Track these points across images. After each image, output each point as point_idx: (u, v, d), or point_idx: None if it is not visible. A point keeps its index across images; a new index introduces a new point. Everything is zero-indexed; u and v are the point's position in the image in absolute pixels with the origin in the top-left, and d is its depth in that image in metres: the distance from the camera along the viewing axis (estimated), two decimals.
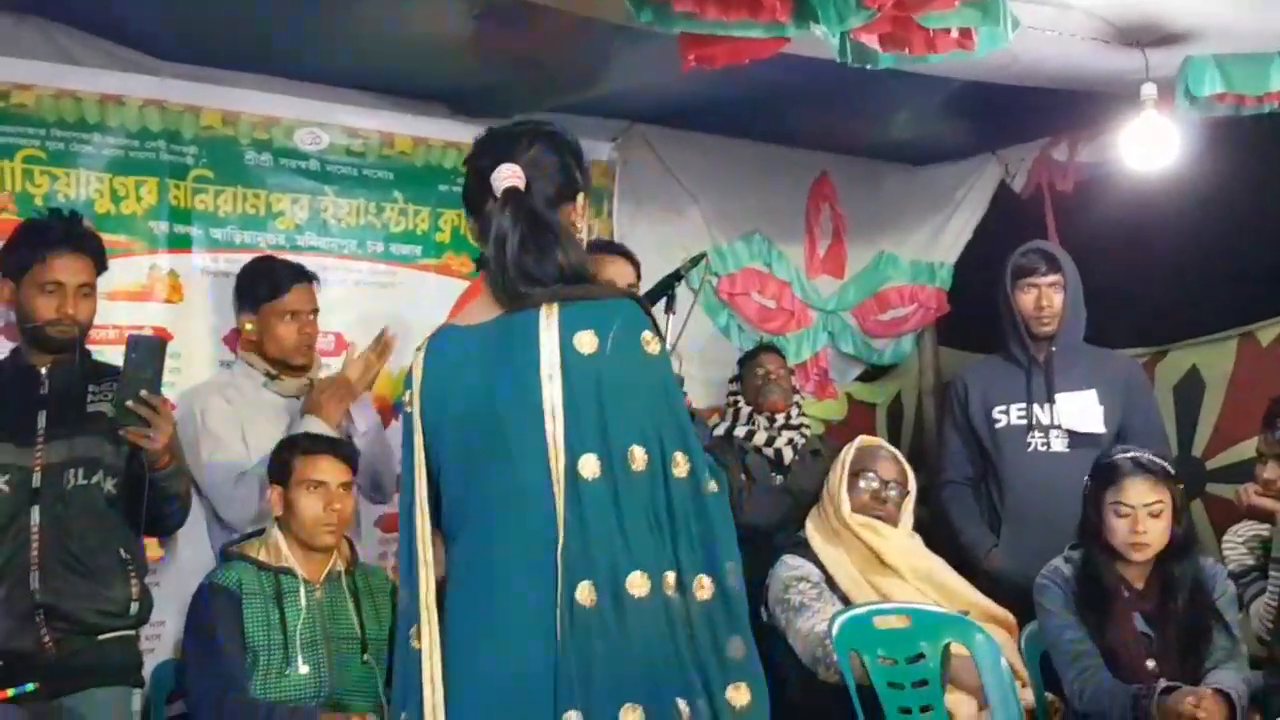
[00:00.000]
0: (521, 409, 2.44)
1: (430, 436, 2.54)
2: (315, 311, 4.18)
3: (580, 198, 2.67)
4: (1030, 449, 4.51)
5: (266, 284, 4.12)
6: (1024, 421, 4.53)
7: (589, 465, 2.39)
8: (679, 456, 2.42)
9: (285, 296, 4.10)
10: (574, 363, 2.43)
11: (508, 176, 2.54)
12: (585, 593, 2.35)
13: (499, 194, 2.54)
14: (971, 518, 4.67)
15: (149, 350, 3.54)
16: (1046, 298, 4.52)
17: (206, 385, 4.17)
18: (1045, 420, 4.51)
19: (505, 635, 2.40)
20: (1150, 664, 3.64)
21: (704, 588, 2.38)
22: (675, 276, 3.95)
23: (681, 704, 2.32)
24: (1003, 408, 4.58)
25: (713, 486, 2.47)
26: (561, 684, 2.33)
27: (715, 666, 2.38)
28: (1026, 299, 4.55)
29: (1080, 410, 4.46)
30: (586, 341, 2.43)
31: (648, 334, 2.48)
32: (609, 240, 4.71)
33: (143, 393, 3.48)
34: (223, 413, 4.06)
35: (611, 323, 2.45)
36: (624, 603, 2.35)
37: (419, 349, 2.59)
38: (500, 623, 2.42)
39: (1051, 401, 4.50)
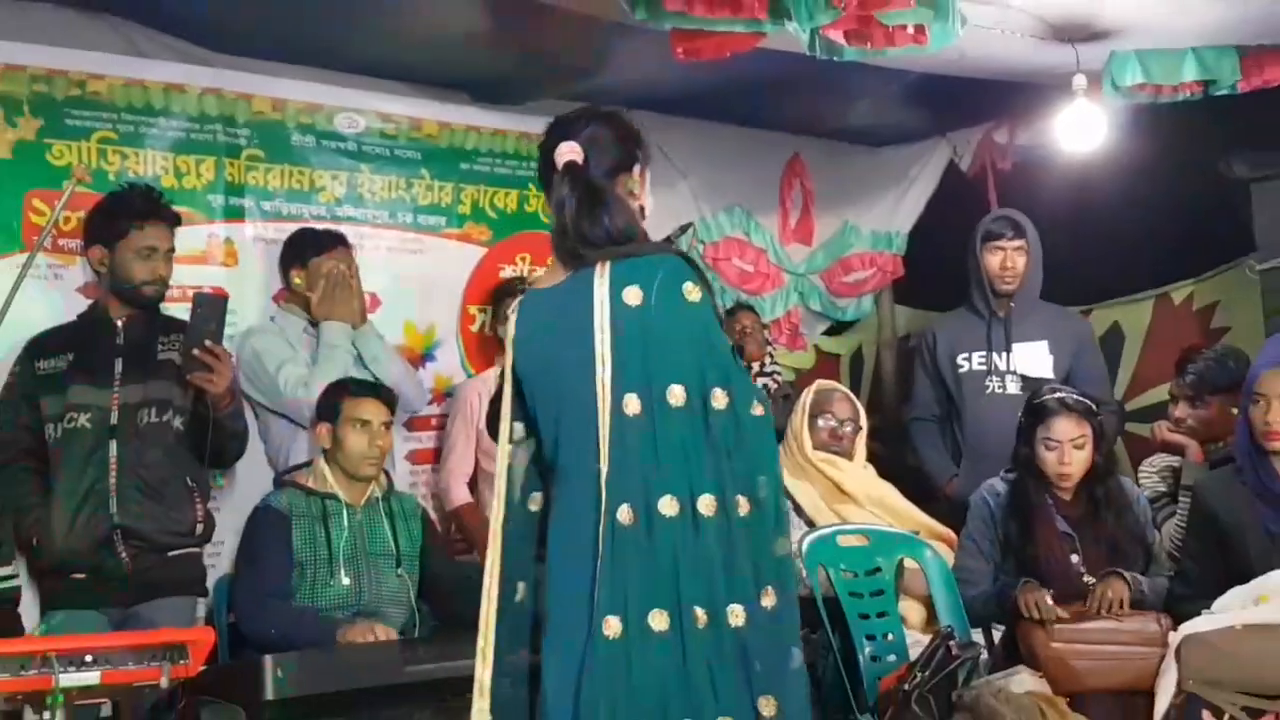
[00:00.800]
0: (579, 359, 2.45)
1: (525, 387, 2.57)
2: (354, 273, 4.17)
3: (637, 169, 2.65)
4: (988, 391, 4.54)
5: (313, 245, 4.15)
6: (984, 367, 4.56)
7: (631, 404, 2.40)
8: (718, 391, 2.40)
9: (326, 255, 4.11)
10: (622, 314, 2.43)
11: (565, 153, 2.55)
12: (625, 513, 2.35)
13: (559, 168, 2.56)
14: (935, 450, 4.71)
15: (212, 306, 3.57)
16: (1011, 260, 4.53)
17: (258, 330, 4.17)
18: (1002, 366, 4.53)
19: (569, 555, 2.43)
20: (1075, 559, 3.69)
21: (741, 505, 2.38)
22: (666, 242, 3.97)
23: (699, 610, 2.35)
24: (966, 354, 4.61)
25: (756, 411, 2.45)
26: (603, 592, 2.34)
27: (751, 574, 2.38)
28: (993, 260, 4.56)
29: (1033, 358, 4.49)
30: (633, 295, 2.42)
31: (689, 284, 2.45)
32: None
33: (207, 343, 3.51)
34: (275, 347, 4.08)
35: (655, 276, 2.44)
36: (655, 522, 2.35)
37: (510, 311, 2.61)
38: (566, 545, 2.45)
39: (1009, 350, 4.52)
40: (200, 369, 3.52)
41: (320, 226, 4.31)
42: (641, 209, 2.66)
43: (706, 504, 2.37)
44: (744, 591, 2.37)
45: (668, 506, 2.36)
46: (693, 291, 2.47)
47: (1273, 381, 3.53)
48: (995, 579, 3.78)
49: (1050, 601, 3.50)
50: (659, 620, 2.34)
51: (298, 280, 4.16)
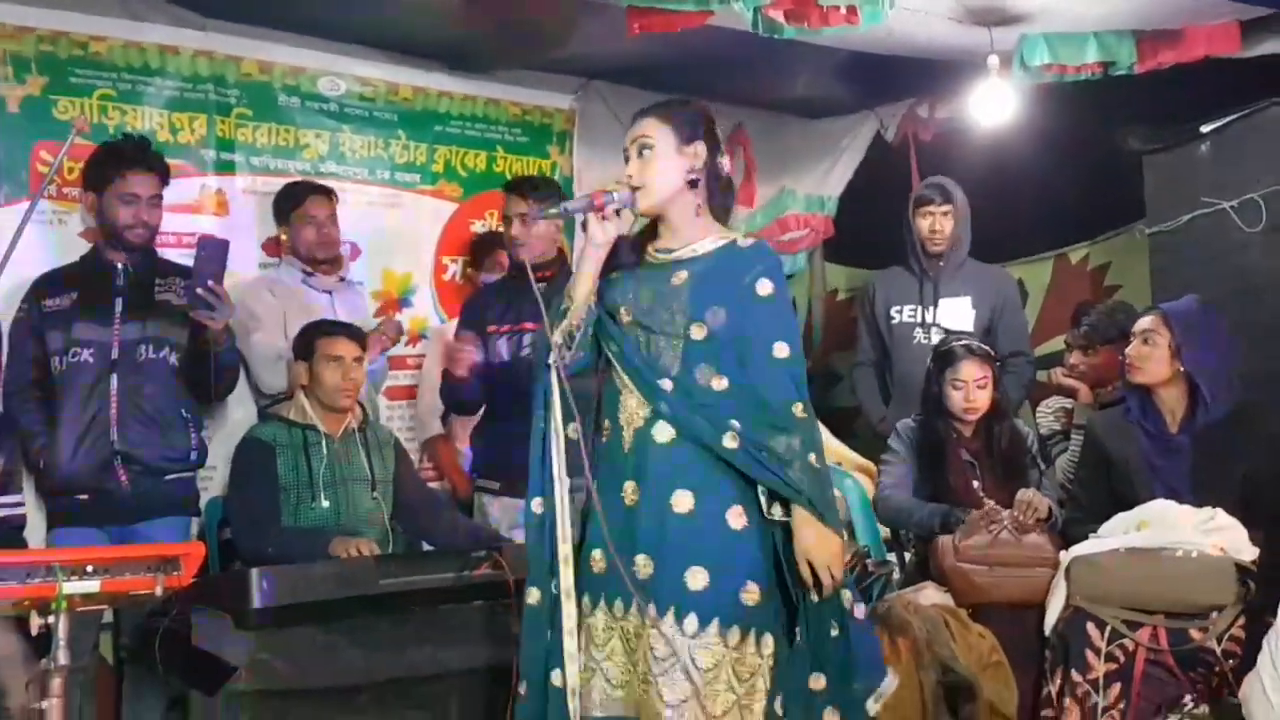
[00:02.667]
0: None
1: None
2: (332, 217, 4.13)
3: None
4: (915, 341, 4.54)
5: (290, 199, 4.11)
6: (914, 319, 4.56)
7: None
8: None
9: (304, 205, 4.08)
10: None
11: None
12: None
13: None
14: (871, 391, 4.73)
15: (216, 249, 3.53)
16: (939, 224, 4.53)
17: (257, 280, 4.15)
18: (929, 319, 4.53)
19: None
20: (975, 484, 3.72)
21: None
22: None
23: None
24: (899, 307, 4.61)
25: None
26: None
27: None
28: (923, 224, 4.55)
29: (956, 313, 4.48)
30: None
31: None
32: (541, 177, 4.61)
33: (210, 283, 3.47)
34: (268, 303, 4.03)
35: None
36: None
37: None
38: None
39: (936, 305, 4.52)
40: (203, 306, 3.48)
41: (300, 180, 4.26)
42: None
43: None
44: None
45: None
46: None
47: (1139, 323, 3.61)
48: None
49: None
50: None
51: (284, 236, 4.12)
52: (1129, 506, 3.42)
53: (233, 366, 3.75)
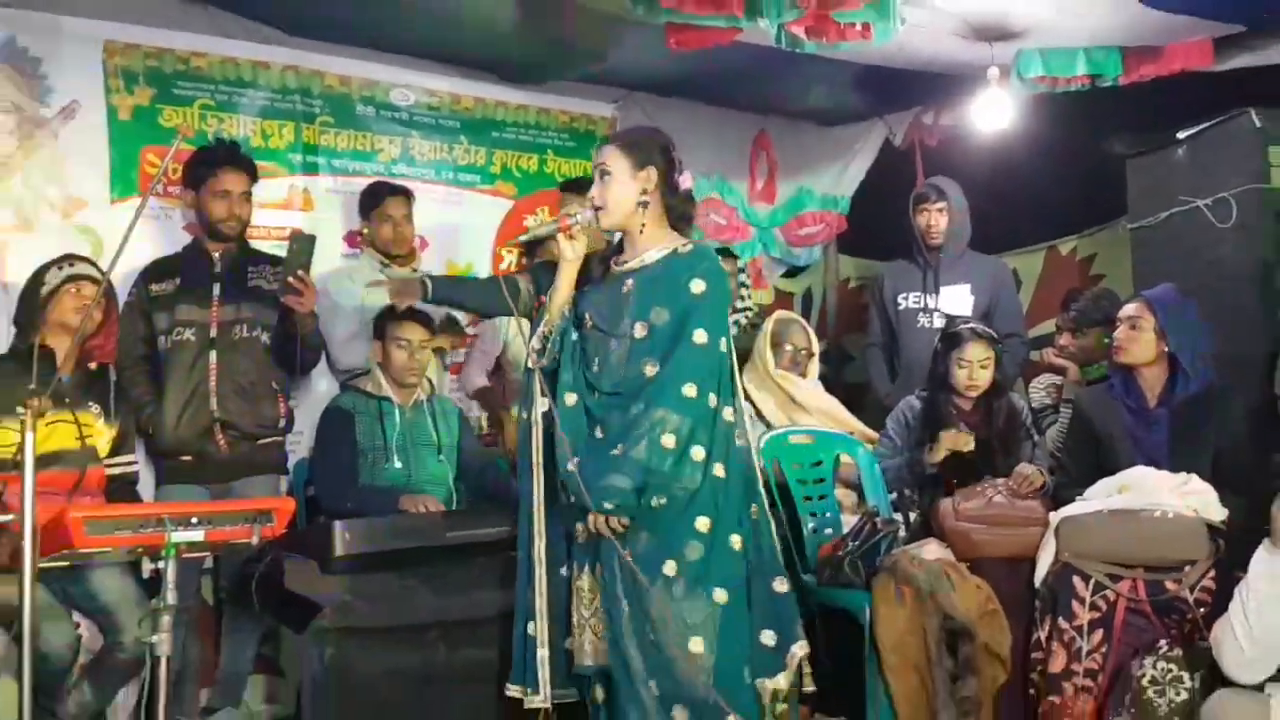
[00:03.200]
0: None
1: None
2: (408, 216, 4.14)
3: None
4: (919, 325, 4.51)
5: (373, 198, 4.11)
6: (919, 305, 4.53)
7: None
8: None
9: (383, 204, 4.08)
10: None
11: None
12: None
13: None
14: (880, 370, 4.71)
15: (305, 242, 3.56)
16: (934, 219, 4.49)
17: (339, 270, 4.15)
18: (932, 305, 4.50)
19: None
20: (948, 432, 3.68)
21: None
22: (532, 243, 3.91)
23: None
24: (904, 295, 4.58)
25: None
26: None
27: None
28: (921, 220, 4.52)
29: (956, 299, 4.45)
30: None
31: None
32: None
33: (299, 272, 3.50)
34: (348, 289, 4.04)
35: None
36: None
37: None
38: None
39: (937, 292, 4.49)
40: (292, 293, 3.51)
41: (383, 180, 4.26)
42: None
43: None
44: None
45: None
46: None
47: (1125, 310, 3.58)
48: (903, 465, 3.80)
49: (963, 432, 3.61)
50: None
51: (365, 230, 4.13)
52: (1112, 473, 3.38)
53: (316, 346, 3.77)
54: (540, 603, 2.76)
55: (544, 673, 2.75)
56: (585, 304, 2.83)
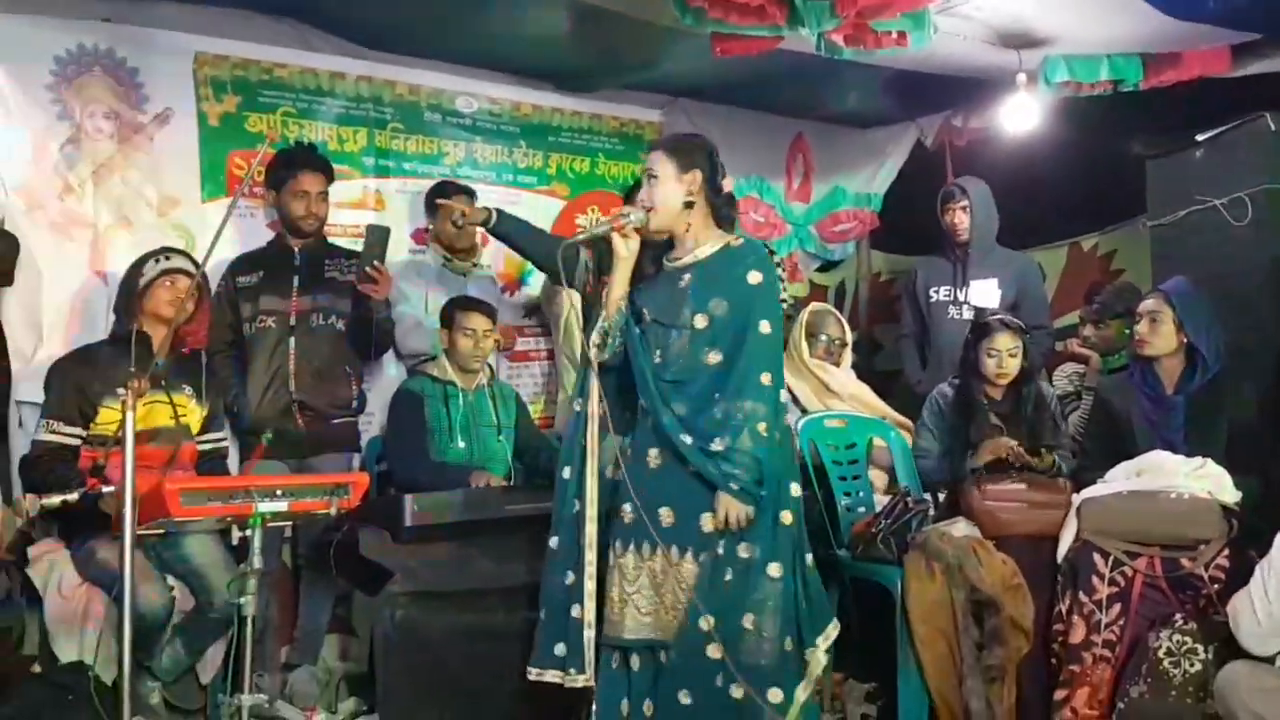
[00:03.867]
0: None
1: None
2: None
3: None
4: (950, 316, 4.47)
5: (439, 195, 4.13)
6: (949, 298, 4.48)
7: None
8: None
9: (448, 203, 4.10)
10: None
11: None
12: None
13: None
14: (912, 358, 4.67)
15: (380, 235, 3.59)
16: (958, 217, 4.44)
17: (407, 263, 4.17)
18: (961, 298, 4.45)
19: None
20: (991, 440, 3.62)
21: None
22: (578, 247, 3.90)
23: None
24: (936, 288, 4.53)
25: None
26: None
27: None
28: (947, 218, 4.48)
29: (984, 292, 4.39)
30: None
31: None
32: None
33: (375, 262, 3.53)
34: (414, 281, 4.08)
35: None
36: None
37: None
38: None
39: (966, 285, 4.44)
40: (368, 282, 3.54)
41: (448, 180, 4.27)
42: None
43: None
44: None
45: None
46: None
47: (1145, 304, 3.52)
48: (942, 455, 3.76)
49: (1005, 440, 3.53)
50: None
51: (430, 226, 4.15)
52: (1131, 456, 3.35)
53: (389, 332, 3.80)
54: (590, 585, 2.72)
55: (589, 654, 2.70)
56: (642, 299, 2.82)
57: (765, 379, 2.64)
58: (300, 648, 3.64)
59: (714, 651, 2.60)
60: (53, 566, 3.08)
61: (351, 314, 3.68)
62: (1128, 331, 3.84)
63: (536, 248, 3.76)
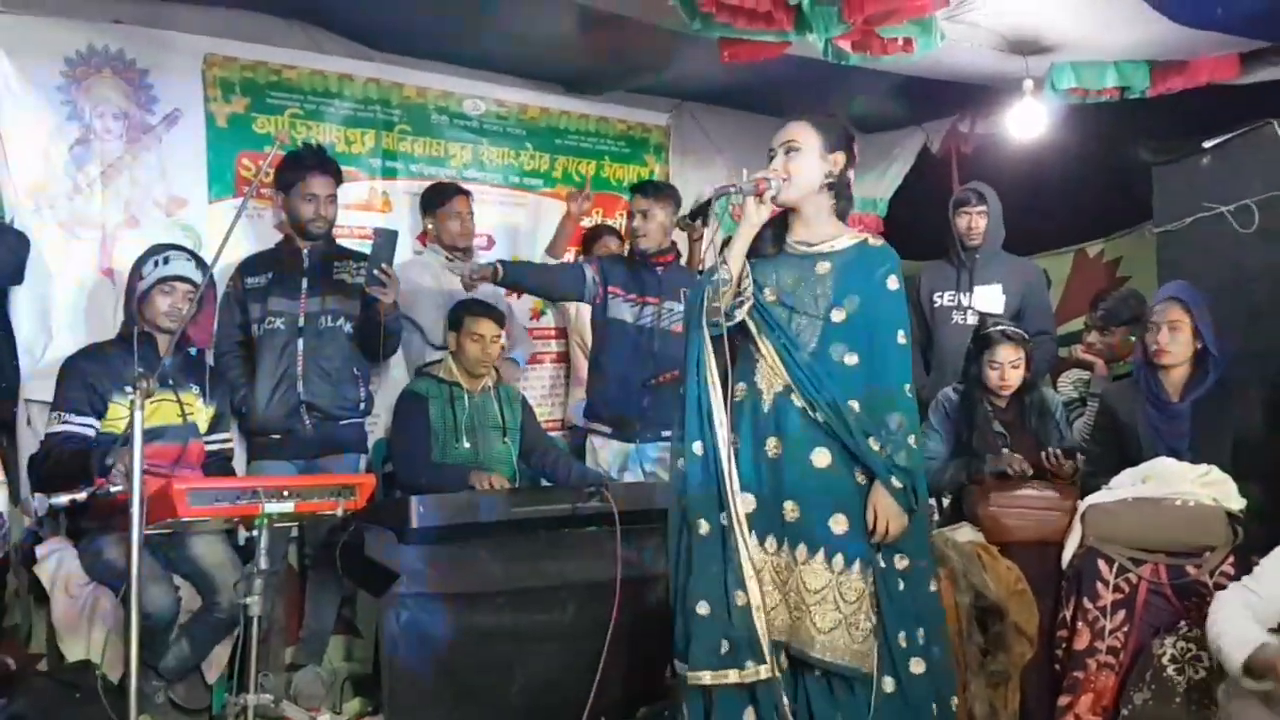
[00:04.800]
0: None
1: None
2: (471, 214, 4.17)
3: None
4: (953, 321, 4.44)
5: (439, 196, 4.15)
6: (953, 303, 4.45)
7: None
8: None
9: (450, 203, 4.12)
10: None
11: None
12: None
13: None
14: (915, 364, 4.66)
15: (388, 238, 3.60)
16: (974, 222, 4.41)
17: (414, 261, 4.19)
18: (966, 303, 4.42)
19: None
20: (1005, 451, 3.59)
21: None
22: (707, 203, 3.93)
23: None
24: (940, 293, 4.50)
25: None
26: None
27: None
28: (961, 222, 4.44)
29: (989, 298, 4.35)
30: None
31: None
32: (661, 181, 4.65)
33: (383, 265, 3.54)
34: (435, 274, 4.09)
35: None
36: None
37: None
38: None
39: (971, 290, 4.43)
40: (377, 284, 3.55)
41: (445, 180, 4.29)
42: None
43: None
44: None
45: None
46: None
47: (1161, 313, 3.49)
48: (949, 459, 3.75)
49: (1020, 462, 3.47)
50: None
51: (429, 226, 4.17)
52: (1136, 463, 3.35)
53: (396, 334, 3.81)
54: (748, 567, 2.50)
55: (766, 641, 2.50)
56: (764, 275, 2.64)
57: (909, 390, 2.57)
58: (306, 648, 3.64)
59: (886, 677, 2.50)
60: (60, 565, 3.09)
61: (359, 316, 3.69)
62: (1133, 338, 3.84)
63: (544, 282, 3.87)
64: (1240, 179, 4.12)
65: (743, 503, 2.55)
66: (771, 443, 2.57)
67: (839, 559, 2.50)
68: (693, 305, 2.66)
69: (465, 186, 4.23)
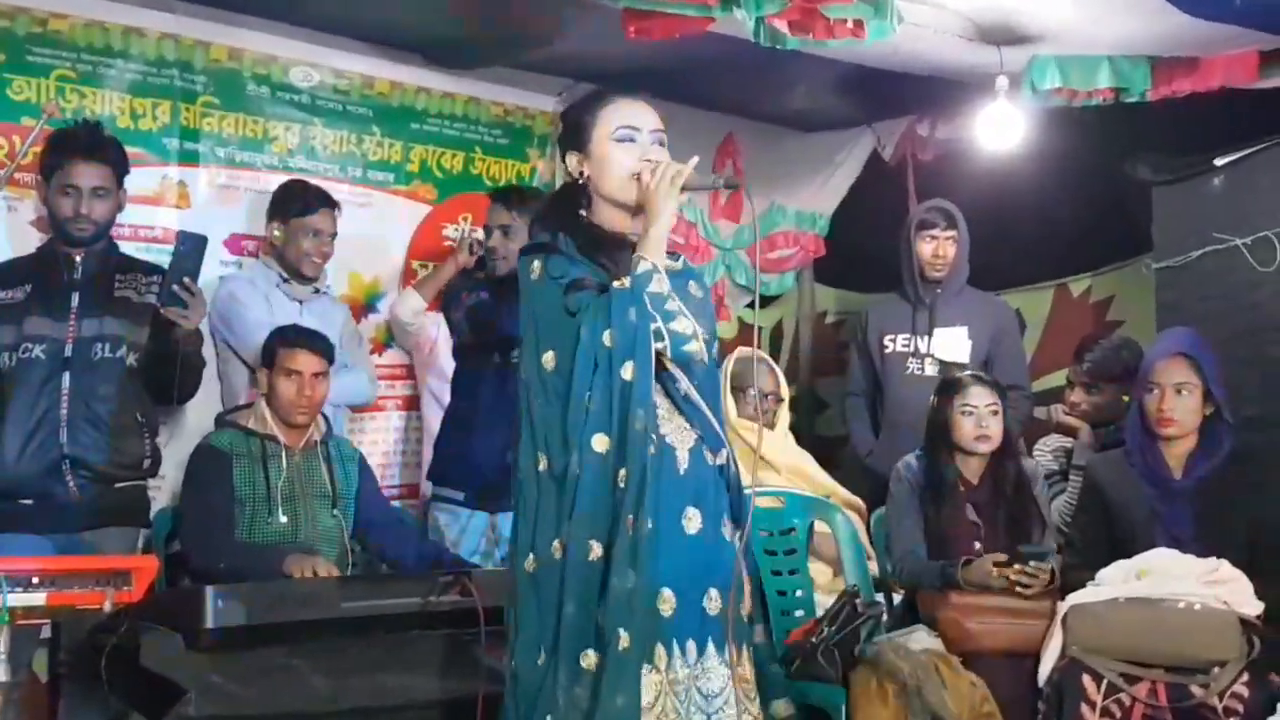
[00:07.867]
0: None
1: None
2: (333, 236, 4.15)
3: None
4: (908, 371, 4.56)
5: (300, 202, 4.09)
6: (907, 349, 4.56)
7: None
8: None
9: (313, 215, 4.08)
10: None
11: None
12: None
13: None
14: (862, 424, 4.75)
15: (194, 245, 3.55)
16: (942, 249, 4.54)
17: (236, 276, 4.15)
18: (923, 349, 4.54)
19: None
20: (977, 546, 3.68)
21: None
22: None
23: None
24: (892, 336, 4.62)
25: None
26: None
27: None
28: (925, 248, 4.56)
29: (951, 343, 4.49)
30: None
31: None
32: (531, 189, 4.65)
33: (185, 279, 3.47)
34: (249, 294, 4.06)
35: None
36: None
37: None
38: None
39: (930, 334, 4.54)
40: (177, 303, 3.48)
41: (314, 183, 4.26)
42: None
43: None
44: None
45: None
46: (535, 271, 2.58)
47: (1166, 371, 3.59)
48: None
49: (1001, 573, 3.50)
50: None
51: (276, 233, 4.10)
52: (1129, 554, 3.44)
53: (197, 369, 3.74)
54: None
55: None
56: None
57: None
58: None
59: None
60: None
61: (148, 345, 3.60)
62: (1126, 398, 3.95)
63: None
64: (1259, 204, 4.29)
65: (662, 603, 2.45)
66: (691, 514, 2.55)
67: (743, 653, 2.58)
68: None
69: (334, 197, 4.19)
